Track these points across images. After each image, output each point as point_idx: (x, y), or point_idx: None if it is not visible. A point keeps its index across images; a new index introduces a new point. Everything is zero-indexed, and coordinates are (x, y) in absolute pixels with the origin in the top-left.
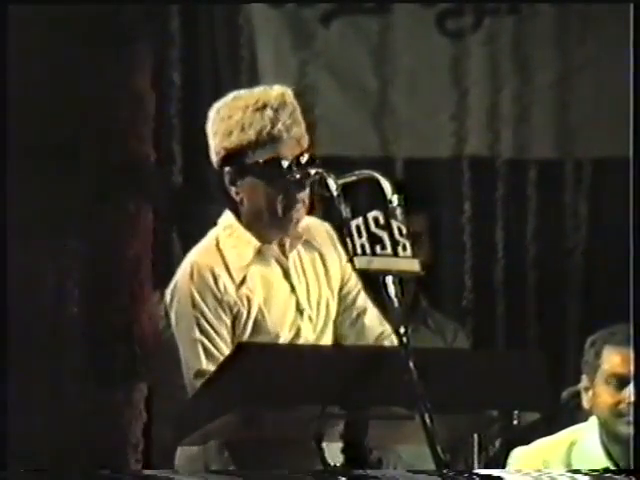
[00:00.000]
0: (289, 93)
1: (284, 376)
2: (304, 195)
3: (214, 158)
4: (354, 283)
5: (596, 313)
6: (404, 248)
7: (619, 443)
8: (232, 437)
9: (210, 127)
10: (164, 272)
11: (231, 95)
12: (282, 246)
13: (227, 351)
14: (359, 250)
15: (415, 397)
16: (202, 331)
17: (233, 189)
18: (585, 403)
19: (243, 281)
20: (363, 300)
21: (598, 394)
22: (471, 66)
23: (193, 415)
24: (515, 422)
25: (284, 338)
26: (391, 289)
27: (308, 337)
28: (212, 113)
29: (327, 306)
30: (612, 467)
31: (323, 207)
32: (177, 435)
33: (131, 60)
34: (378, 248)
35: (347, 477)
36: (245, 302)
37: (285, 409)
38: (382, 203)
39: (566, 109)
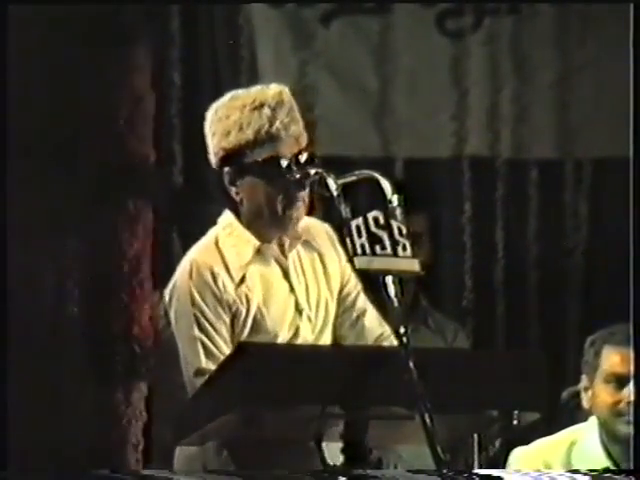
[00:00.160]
0: (286, 91)
1: (284, 376)
2: (304, 194)
3: (213, 158)
4: (354, 284)
5: (596, 313)
6: (404, 248)
7: (619, 443)
8: (232, 437)
9: (208, 127)
10: (164, 272)
11: (228, 95)
12: (282, 246)
13: (226, 349)
14: (359, 250)
15: (415, 397)
16: (201, 329)
17: (233, 189)
18: (585, 403)
19: (242, 280)
20: (363, 302)
21: (598, 394)
22: (471, 66)
23: (193, 415)
24: (515, 422)
25: (283, 338)
26: (391, 289)
27: (307, 337)
28: (210, 113)
29: (326, 306)
30: (612, 467)
31: (323, 207)
32: (177, 435)
33: (131, 60)
34: (378, 248)
35: (347, 477)
36: (244, 301)
37: (285, 409)
38: (382, 203)
39: (566, 109)
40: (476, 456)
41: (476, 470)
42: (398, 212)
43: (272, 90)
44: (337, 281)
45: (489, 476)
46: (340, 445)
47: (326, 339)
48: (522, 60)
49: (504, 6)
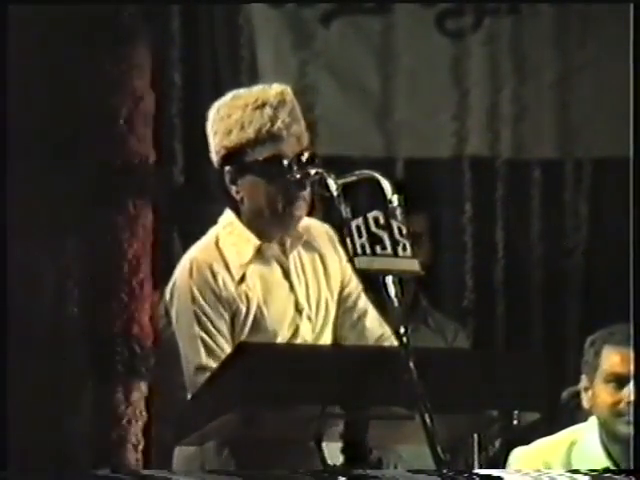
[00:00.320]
0: (288, 91)
1: (284, 376)
2: (305, 193)
3: (214, 157)
4: (355, 285)
5: (596, 313)
6: (404, 248)
7: (619, 443)
8: (232, 437)
9: (210, 126)
10: (165, 272)
11: (230, 94)
12: (282, 245)
13: (226, 347)
14: (359, 250)
15: (415, 397)
16: (202, 327)
17: (233, 188)
18: (585, 403)
19: (242, 279)
20: (364, 302)
21: (598, 394)
22: (471, 66)
23: (193, 415)
24: (515, 422)
25: (283, 337)
26: (391, 289)
27: (307, 337)
28: (211, 112)
29: (326, 306)
30: (612, 467)
31: (323, 207)
32: (177, 435)
33: (131, 60)
34: (378, 248)
35: (347, 477)
36: (244, 299)
37: (285, 409)
38: (382, 203)
39: (566, 109)
40: (476, 456)
41: (476, 470)
42: (398, 212)
43: (274, 89)
44: (337, 281)
45: (489, 476)
46: (340, 445)
47: (326, 339)
48: (522, 60)
49: (504, 6)
